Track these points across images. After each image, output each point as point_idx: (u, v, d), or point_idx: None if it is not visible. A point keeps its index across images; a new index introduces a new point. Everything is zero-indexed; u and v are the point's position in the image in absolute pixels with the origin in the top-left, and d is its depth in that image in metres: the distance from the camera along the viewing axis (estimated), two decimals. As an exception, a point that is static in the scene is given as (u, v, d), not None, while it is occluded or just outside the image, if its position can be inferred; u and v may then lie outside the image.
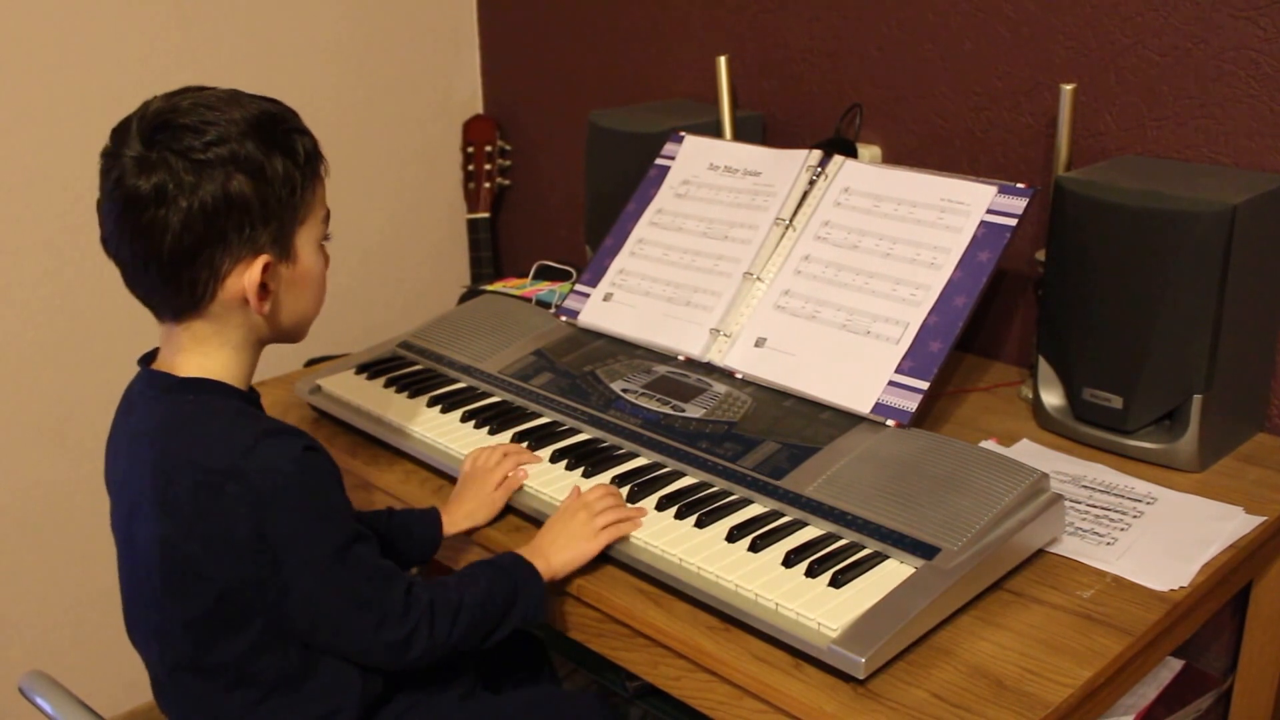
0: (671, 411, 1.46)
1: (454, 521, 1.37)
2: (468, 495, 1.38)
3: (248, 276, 1.12)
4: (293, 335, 1.23)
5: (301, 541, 1.10)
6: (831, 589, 1.14)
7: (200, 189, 1.08)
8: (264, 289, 1.14)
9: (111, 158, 1.11)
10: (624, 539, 1.26)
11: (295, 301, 1.19)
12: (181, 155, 1.08)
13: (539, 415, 1.52)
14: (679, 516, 1.28)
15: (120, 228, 1.10)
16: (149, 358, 1.21)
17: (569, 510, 1.29)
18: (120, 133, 1.11)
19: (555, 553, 1.25)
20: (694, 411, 1.45)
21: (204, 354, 1.16)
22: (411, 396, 1.59)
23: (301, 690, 1.17)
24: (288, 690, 1.16)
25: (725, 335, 1.56)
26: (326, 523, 1.12)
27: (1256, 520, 1.32)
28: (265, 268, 1.13)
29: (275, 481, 1.08)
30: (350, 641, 1.15)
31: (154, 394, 1.16)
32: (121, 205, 1.09)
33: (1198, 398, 1.40)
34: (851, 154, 1.66)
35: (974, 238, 1.44)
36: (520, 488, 1.37)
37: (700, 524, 1.26)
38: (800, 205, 1.60)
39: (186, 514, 1.09)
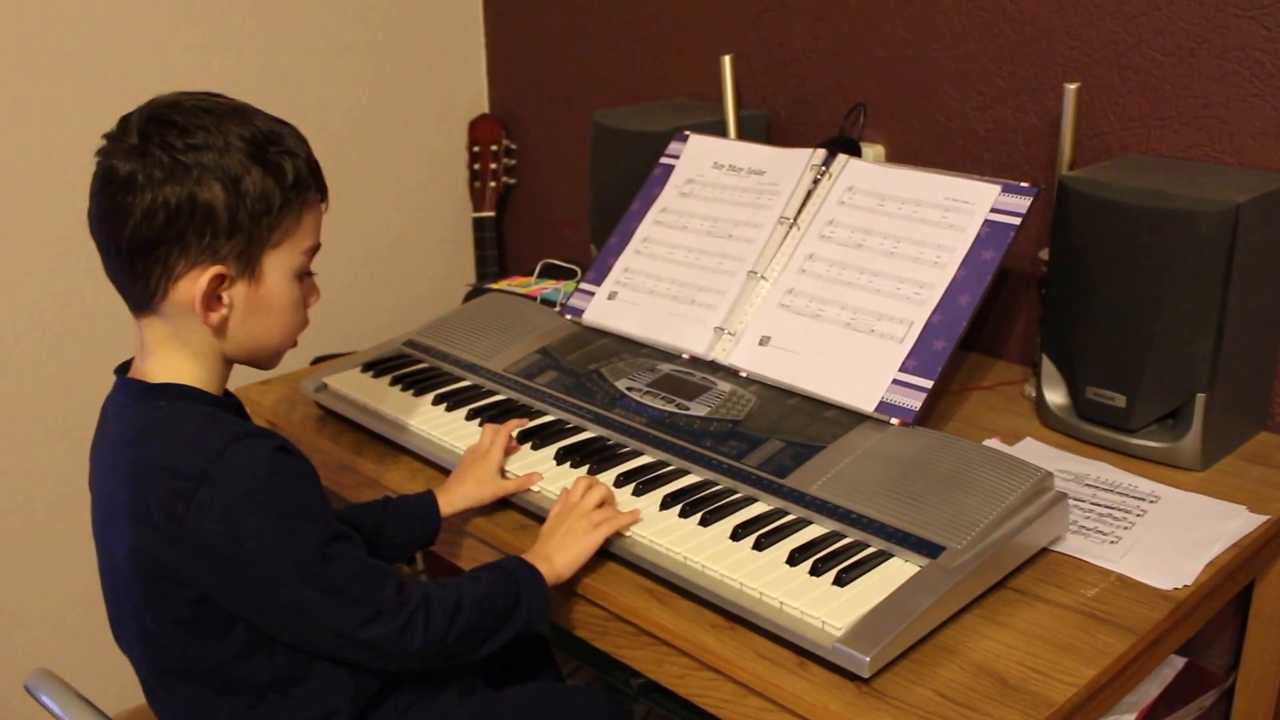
0: (676, 410, 1.46)
1: (450, 502, 1.38)
2: (464, 476, 1.39)
3: (197, 283, 1.12)
4: (256, 359, 1.21)
5: (279, 544, 1.09)
6: (836, 587, 1.14)
7: (167, 186, 1.09)
8: (217, 300, 1.13)
9: (112, 140, 1.12)
10: (627, 536, 1.26)
11: (255, 324, 1.17)
12: (164, 149, 1.09)
13: (544, 413, 1.52)
14: (683, 515, 1.28)
15: (97, 206, 1.12)
16: (125, 367, 1.21)
17: (561, 512, 1.29)
18: (125, 119, 1.13)
19: (557, 553, 1.25)
20: (698, 410, 1.46)
21: (168, 357, 1.15)
22: (417, 394, 1.59)
23: (294, 694, 1.17)
24: (279, 694, 1.16)
25: (730, 334, 1.56)
26: (303, 523, 1.11)
27: (1259, 519, 1.32)
28: (219, 279, 1.12)
29: (247, 485, 1.08)
30: (344, 643, 1.13)
31: (128, 402, 1.16)
32: (101, 184, 1.11)
33: (1201, 396, 1.40)
34: (855, 153, 1.66)
35: (978, 236, 1.44)
36: (528, 489, 1.38)
37: (704, 522, 1.27)
38: (804, 204, 1.60)
39: (160, 521, 1.08)
